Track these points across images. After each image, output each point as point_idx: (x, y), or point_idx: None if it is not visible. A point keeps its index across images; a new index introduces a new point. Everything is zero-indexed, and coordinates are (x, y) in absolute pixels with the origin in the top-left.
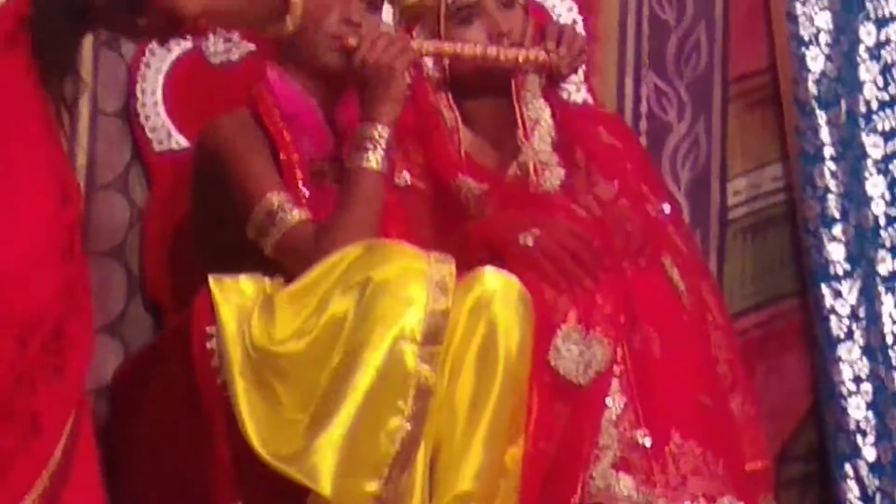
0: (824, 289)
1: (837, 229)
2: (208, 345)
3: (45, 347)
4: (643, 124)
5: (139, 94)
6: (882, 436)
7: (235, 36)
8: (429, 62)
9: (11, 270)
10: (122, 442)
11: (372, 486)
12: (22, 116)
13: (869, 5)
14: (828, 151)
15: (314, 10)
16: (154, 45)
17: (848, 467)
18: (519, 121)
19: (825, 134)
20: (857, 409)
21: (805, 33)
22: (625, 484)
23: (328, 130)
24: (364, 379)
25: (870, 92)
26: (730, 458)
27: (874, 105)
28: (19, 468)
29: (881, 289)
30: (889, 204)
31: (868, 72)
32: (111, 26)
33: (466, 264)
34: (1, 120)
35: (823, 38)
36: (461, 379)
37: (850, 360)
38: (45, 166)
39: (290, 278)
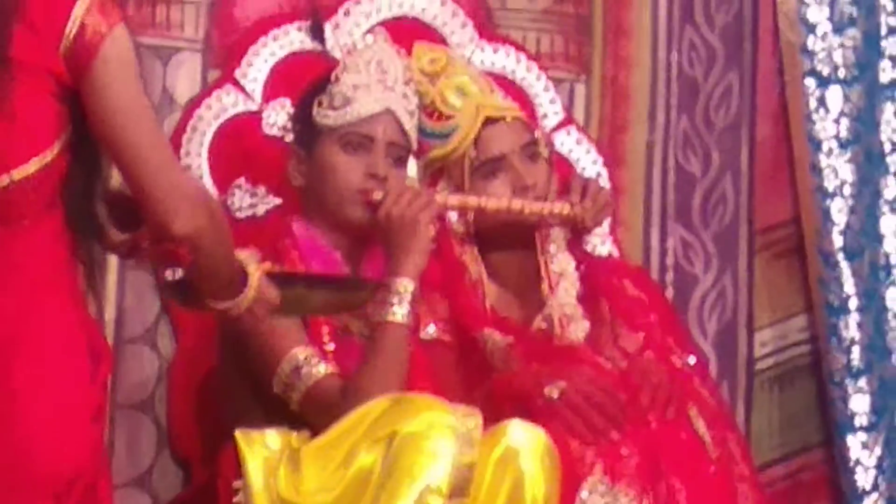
0: (850, 440)
1: (862, 381)
2: (235, 499)
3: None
4: (669, 276)
5: None
6: None
7: (261, 190)
8: (453, 215)
9: (48, 433)
10: None
11: None
12: (55, 279)
13: (889, 159)
14: (853, 303)
15: (339, 164)
16: None
17: None
18: (544, 273)
19: (850, 285)
20: None
21: (829, 185)
22: None
23: None
24: None
25: (890, 244)
26: None
27: (893, 259)
28: None
29: None
30: None
31: (888, 225)
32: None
33: (493, 417)
34: (36, 283)
35: (847, 190)
36: None
37: None
38: (77, 329)
39: (316, 432)
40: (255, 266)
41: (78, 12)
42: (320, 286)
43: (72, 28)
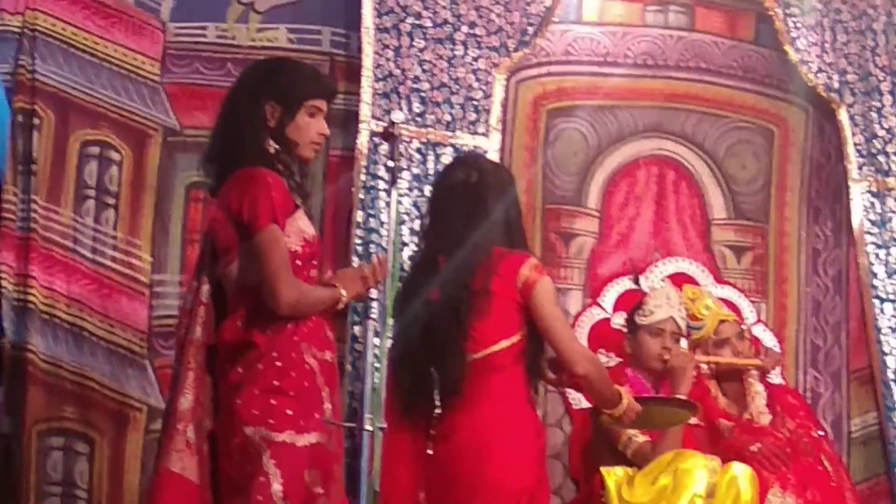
0: None
1: None
2: (602, 500)
3: None
4: (808, 394)
5: None
6: None
7: (612, 354)
8: (704, 366)
9: (514, 470)
10: None
11: None
12: (518, 396)
13: None
14: None
15: (649, 343)
16: None
17: None
18: (748, 392)
19: None
20: None
21: (888, 350)
22: None
23: None
24: None
25: None
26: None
27: None
28: None
29: None
30: None
31: None
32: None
33: (725, 460)
34: (508, 398)
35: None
36: None
37: None
38: (529, 419)
39: (640, 467)
40: (626, 393)
41: (524, 271)
42: (663, 403)
43: (521, 276)
